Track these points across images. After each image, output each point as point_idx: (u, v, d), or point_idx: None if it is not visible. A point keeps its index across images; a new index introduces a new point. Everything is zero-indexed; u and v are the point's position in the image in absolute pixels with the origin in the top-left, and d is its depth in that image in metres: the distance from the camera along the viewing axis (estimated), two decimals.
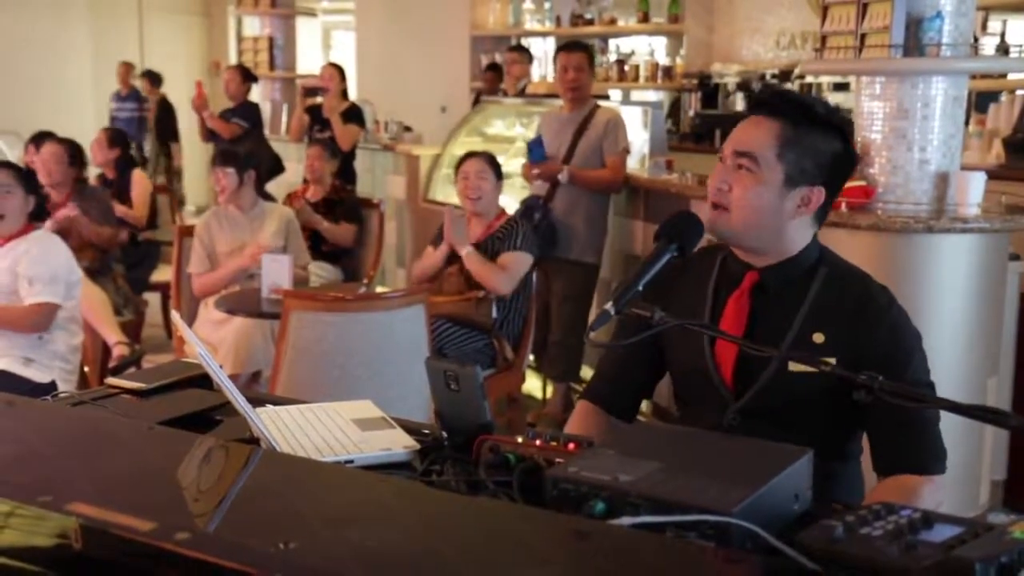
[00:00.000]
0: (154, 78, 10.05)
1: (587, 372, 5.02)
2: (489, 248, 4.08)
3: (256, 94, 7.50)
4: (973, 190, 3.46)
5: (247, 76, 7.33)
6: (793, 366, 1.76)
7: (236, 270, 4.34)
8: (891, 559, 1.08)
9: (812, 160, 1.79)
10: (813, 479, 1.35)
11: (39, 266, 3.53)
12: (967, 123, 4.43)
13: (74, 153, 5.23)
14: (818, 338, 1.79)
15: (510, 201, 4.84)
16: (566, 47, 4.84)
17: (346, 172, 6.24)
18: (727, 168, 1.83)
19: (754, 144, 1.80)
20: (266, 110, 7.75)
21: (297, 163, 7.14)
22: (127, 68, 10.15)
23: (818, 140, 1.80)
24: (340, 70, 6.76)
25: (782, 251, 1.85)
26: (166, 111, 10.01)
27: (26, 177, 3.72)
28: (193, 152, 10.59)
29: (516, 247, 4.05)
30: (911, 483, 1.74)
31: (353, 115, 6.59)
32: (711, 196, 1.85)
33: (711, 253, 1.95)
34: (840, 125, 1.83)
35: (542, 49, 8.74)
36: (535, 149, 4.64)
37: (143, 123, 10.06)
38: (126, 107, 10.10)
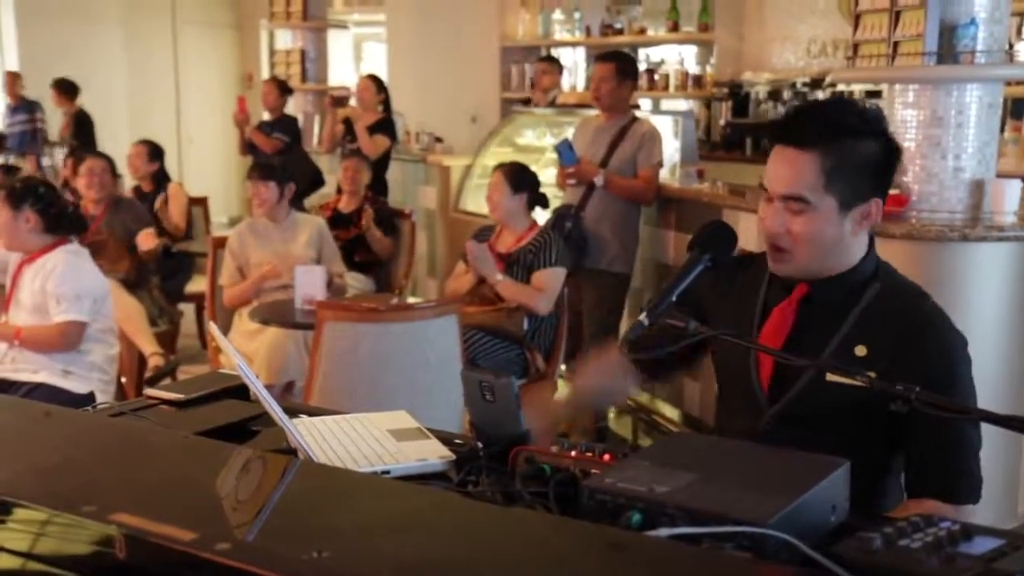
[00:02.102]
0: (69, 88, 8.97)
1: None
2: (521, 260, 4.10)
3: (289, 106, 7.57)
4: (1009, 198, 3.43)
5: (284, 89, 7.39)
6: (831, 376, 1.73)
7: (259, 280, 4.37)
8: (930, 571, 1.08)
9: (859, 176, 1.74)
10: (852, 493, 1.34)
11: (64, 284, 3.54)
12: (1002, 130, 4.39)
13: (114, 167, 5.32)
14: (860, 351, 1.76)
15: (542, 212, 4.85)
16: (597, 57, 4.84)
17: (378, 184, 6.27)
18: (778, 212, 1.77)
19: (799, 185, 1.74)
20: (299, 122, 7.80)
21: (328, 174, 7.19)
22: (13, 78, 9.23)
23: (858, 154, 1.74)
24: (377, 82, 6.77)
25: (838, 268, 1.81)
26: (83, 123, 8.94)
27: (21, 195, 3.57)
28: (221, 163, 10.70)
29: (551, 263, 4.06)
30: (937, 509, 1.68)
31: (382, 127, 6.61)
32: (768, 239, 1.80)
33: (766, 257, 1.92)
34: (873, 127, 1.77)
35: (572, 59, 8.74)
36: (565, 152, 4.63)
37: (38, 136, 9.13)
38: (17, 120, 9.18)
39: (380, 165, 6.46)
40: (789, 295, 1.85)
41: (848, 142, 1.74)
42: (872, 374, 1.57)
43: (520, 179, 4.21)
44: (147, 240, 5.11)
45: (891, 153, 1.80)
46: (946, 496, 1.72)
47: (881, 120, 1.80)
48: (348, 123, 6.82)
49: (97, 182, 5.13)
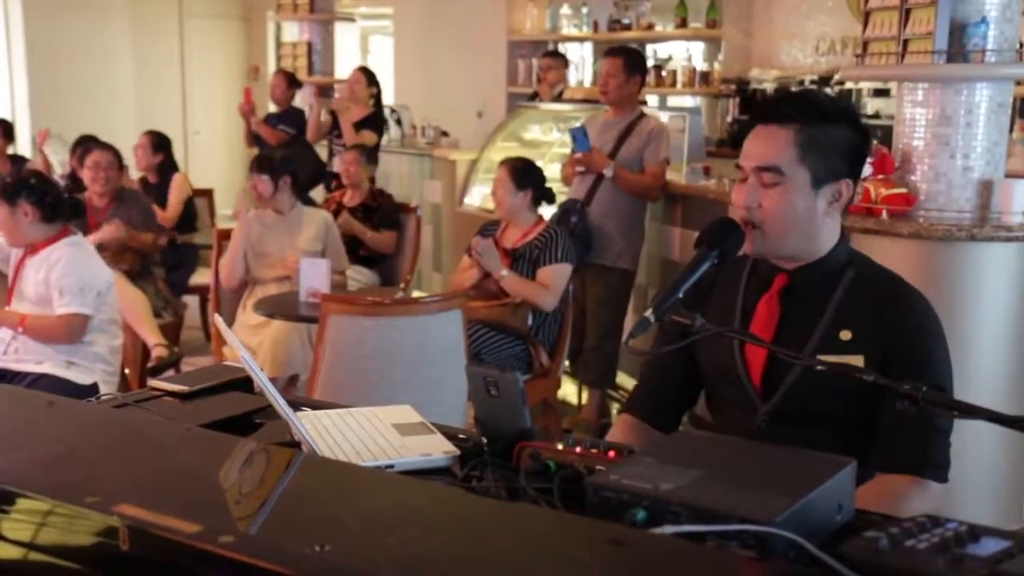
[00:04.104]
0: None
1: (623, 378, 5.00)
2: (527, 255, 4.09)
3: (296, 99, 7.55)
4: (1018, 198, 3.42)
5: (292, 82, 7.37)
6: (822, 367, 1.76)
7: (239, 242, 4.40)
8: (937, 572, 1.07)
9: (834, 154, 1.80)
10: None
11: (68, 277, 3.55)
12: (1011, 130, 4.37)
13: (120, 159, 5.32)
14: (845, 335, 1.80)
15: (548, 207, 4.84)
16: (605, 52, 4.84)
17: None
18: (751, 186, 1.82)
19: (774, 156, 1.80)
20: (305, 114, 7.79)
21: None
22: None
23: (834, 134, 1.81)
24: (368, 75, 6.69)
25: (812, 253, 1.86)
26: None
27: (14, 190, 3.58)
28: (227, 155, 10.71)
29: (557, 259, 4.06)
30: (902, 486, 1.72)
31: (370, 122, 6.56)
32: (740, 217, 1.83)
33: (740, 260, 1.96)
34: (848, 114, 1.85)
35: (579, 54, 8.73)
36: (580, 138, 4.60)
37: None
38: None
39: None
40: (766, 288, 1.88)
41: (823, 122, 1.81)
42: (862, 365, 1.58)
43: (524, 175, 4.20)
44: (109, 231, 5.02)
45: (863, 140, 1.87)
46: (908, 469, 1.73)
47: (852, 108, 1.91)
48: (335, 115, 6.77)
49: (103, 176, 5.12)
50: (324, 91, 7.39)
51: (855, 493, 1.33)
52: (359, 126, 6.47)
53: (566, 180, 4.84)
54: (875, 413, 1.77)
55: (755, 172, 1.81)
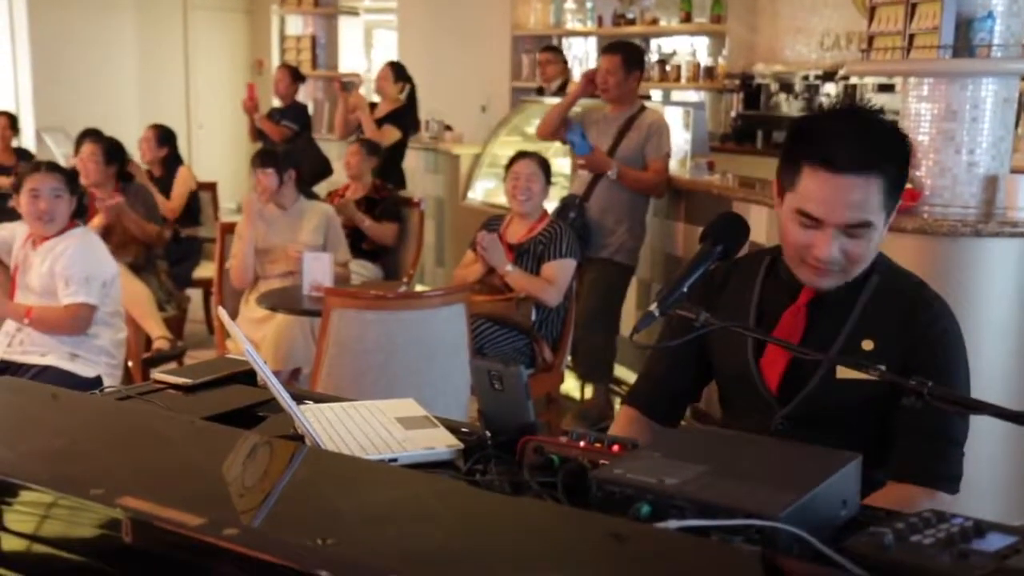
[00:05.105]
0: None
1: (620, 371, 5.00)
2: (532, 250, 4.09)
3: (300, 93, 7.54)
4: (1023, 193, 3.41)
5: (296, 76, 7.35)
6: (840, 373, 1.75)
7: (249, 240, 4.40)
8: (943, 568, 1.06)
9: (900, 188, 1.77)
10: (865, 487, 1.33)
11: (74, 267, 3.56)
12: (1017, 125, 4.36)
13: (110, 151, 5.24)
14: (867, 345, 1.77)
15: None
16: (603, 49, 4.82)
17: (388, 172, 6.16)
18: (834, 239, 1.72)
19: (866, 211, 1.71)
20: (309, 109, 7.78)
21: (336, 161, 7.16)
22: None
23: (901, 166, 1.77)
24: (397, 70, 6.65)
25: None
26: None
27: (72, 179, 3.76)
28: (231, 149, 10.72)
29: (561, 254, 4.05)
30: (913, 495, 1.70)
31: (395, 117, 6.56)
32: (820, 264, 1.74)
33: (756, 258, 1.94)
34: (904, 135, 1.81)
35: (583, 49, 8.72)
36: (579, 143, 4.59)
37: None
38: None
39: (394, 156, 6.38)
40: (791, 298, 1.84)
41: (901, 163, 1.77)
42: (882, 367, 1.56)
43: (549, 170, 4.23)
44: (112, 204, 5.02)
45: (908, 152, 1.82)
46: (921, 479, 1.72)
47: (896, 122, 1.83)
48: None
49: (82, 168, 5.11)
50: (345, 86, 7.37)
51: (859, 488, 1.32)
52: (383, 121, 6.43)
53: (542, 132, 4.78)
54: (890, 421, 1.75)
55: (846, 227, 1.71)
